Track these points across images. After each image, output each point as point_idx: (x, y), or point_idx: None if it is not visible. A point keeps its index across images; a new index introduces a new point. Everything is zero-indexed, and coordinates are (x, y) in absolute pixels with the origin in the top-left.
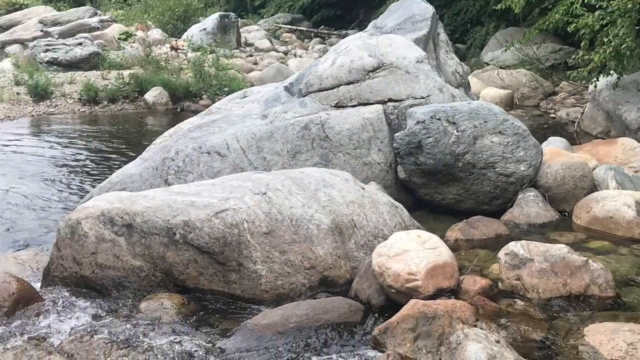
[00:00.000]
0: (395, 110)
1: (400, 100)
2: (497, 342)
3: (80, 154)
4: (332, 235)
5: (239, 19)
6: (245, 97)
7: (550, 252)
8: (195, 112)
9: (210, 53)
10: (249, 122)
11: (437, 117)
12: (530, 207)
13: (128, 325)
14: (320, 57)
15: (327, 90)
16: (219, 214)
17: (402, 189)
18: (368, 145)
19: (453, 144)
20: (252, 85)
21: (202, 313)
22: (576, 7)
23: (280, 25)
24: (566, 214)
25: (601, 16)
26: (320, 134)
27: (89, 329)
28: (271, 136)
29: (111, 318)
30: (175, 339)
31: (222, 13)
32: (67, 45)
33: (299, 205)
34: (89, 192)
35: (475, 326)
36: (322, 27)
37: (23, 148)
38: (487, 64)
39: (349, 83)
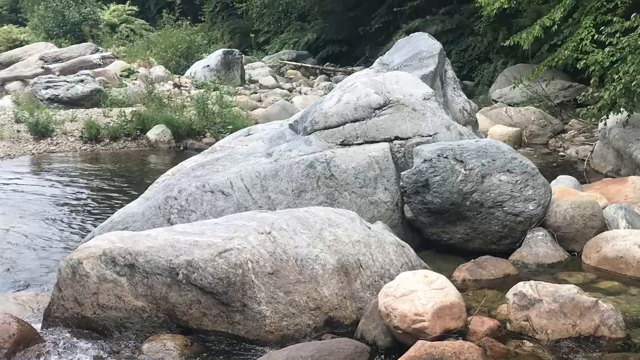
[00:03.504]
0: (402, 149)
1: (407, 138)
2: None
3: (82, 192)
4: (337, 276)
5: (243, 55)
6: (249, 134)
7: (560, 292)
8: (199, 150)
9: (214, 90)
10: (253, 161)
11: (444, 155)
12: (539, 246)
13: None
14: (325, 94)
15: (333, 128)
16: (222, 254)
17: (409, 228)
18: (374, 183)
19: (460, 183)
20: (257, 122)
21: (205, 354)
22: (586, 44)
23: (285, 61)
24: (575, 253)
25: (611, 53)
26: (326, 172)
27: None
28: (276, 175)
29: None
30: None
31: (226, 49)
32: (68, 82)
33: (304, 245)
34: (90, 231)
35: None
36: (327, 63)
37: (23, 187)
38: (495, 101)
39: (354, 121)
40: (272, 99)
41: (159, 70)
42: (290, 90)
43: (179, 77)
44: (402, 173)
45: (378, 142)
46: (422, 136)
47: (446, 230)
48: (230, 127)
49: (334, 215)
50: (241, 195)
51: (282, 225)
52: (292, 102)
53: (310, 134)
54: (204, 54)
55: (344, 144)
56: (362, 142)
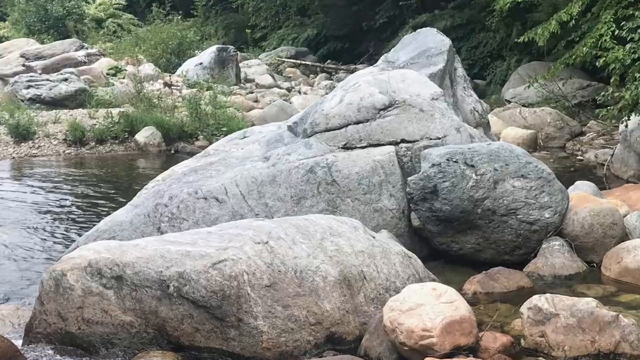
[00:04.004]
0: (409, 152)
1: (414, 141)
2: None
3: (66, 199)
4: (339, 288)
5: (238, 52)
6: (245, 137)
7: (577, 306)
8: (191, 154)
9: (207, 90)
10: (249, 165)
11: (454, 160)
12: (555, 257)
13: None
14: (326, 94)
15: (335, 130)
16: (216, 265)
17: (416, 238)
18: (379, 190)
19: (471, 189)
20: (253, 124)
21: None
22: (605, 40)
23: (283, 59)
24: (594, 264)
25: (633, 49)
26: (327, 177)
27: None
28: (273, 180)
29: None
30: None
31: (220, 46)
32: (51, 81)
33: (303, 256)
34: (74, 241)
35: None
36: (328, 61)
37: (3, 193)
38: (509, 102)
39: (358, 122)
40: (269, 99)
41: (148, 68)
42: (289, 89)
43: (169, 76)
44: (409, 178)
45: (383, 145)
46: (431, 139)
47: (456, 239)
48: (225, 129)
49: (336, 224)
50: (236, 202)
51: (280, 234)
52: (290, 103)
53: (310, 136)
54: (196, 51)
55: (346, 147)
56: (366, 145)
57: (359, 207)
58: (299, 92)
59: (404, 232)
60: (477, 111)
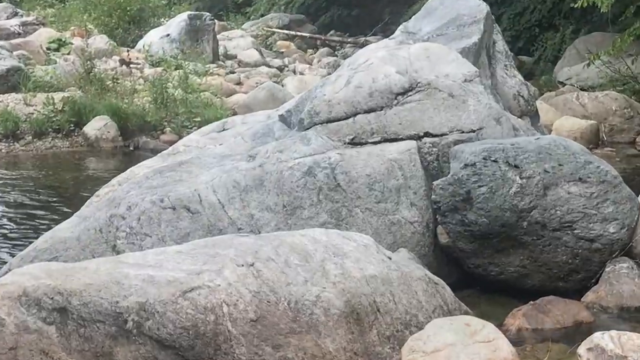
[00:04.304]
0: (434, 149)
1: (442, 135)
2: None
3: None
4: (346, 323)
5: (215, 21)
6: (224, 130)
7: None
8: (155, 152)
9: (176, 69)
10: (229, 166)
11: (492, 159)
12: (622, 283)
13: None
14: (329, 74)
15: (339, 120)
16: (187, 294)
17: (444, 259)
18: (396, 197)
19: (515, 196)
20: (235, 113)
21: None
22: None
23: (273, 29)
24: None
25: None
26: (330, 181)
27: None
28: (261, 185)
29: None
30: None
31: (193, 13)
32: None
33: (299, 282)
34: (5, 262)
35: None
36: (332, 32)
37: None
38: (563, 84)
39: (369, 111)
40: (255, 81)
41: (100, 41)
42: (281, 68)
43: (128, 51)
44: (435, 183)
45: (401, 140)
46: (463, 132)
47: (495, 261)
48: (199, 119)
49: (341, 241)
50: (213, 213)
51: (270, 254)
52: (283, 86)
53: (308, 128)
54: (162, 19)
55: (354, 142)
56: (380, 140)
57: (371, 219)
58: (294, 72)
59: (428, 251)
60: (522, 96)
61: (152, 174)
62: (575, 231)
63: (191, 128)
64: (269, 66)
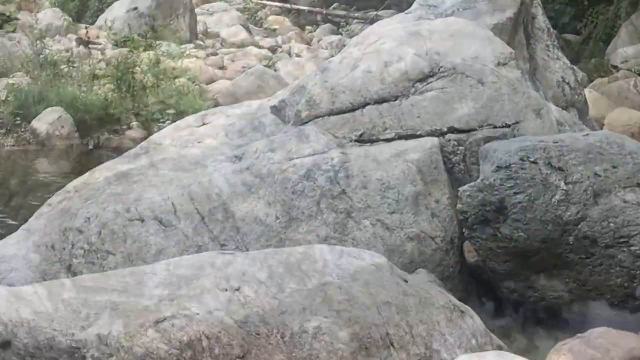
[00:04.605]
0: (460, 148)
1: (469, 131)
2: None
3: None
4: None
5: None
6: (204, 124)
7: None
8: (120, 151)
9: (146, 50)
10: (210, 168)
11: (531, 159)
12: None
13: None
14: (332, 56)
15: (345, 113)
16: (159, 324)
17: (472, 281)
18: (414, 207)
19: (559, 205)
20: (217, 104)
21: None
22: None
23: (263, 2)
24: None
25: None
26: (333, 187)
27: None
28: (249, 191)
29: None
30: None
31: None
32: None
33: (295, 310)
34: None
35: None
36: (335, 5)
37: None
38: (617, 69)
39: (381, 101)
40: (242, 65)
41: (52, 16)
42: (273, 49)
43: (86, 29)
44: (461, 189)
45: (420, 136)
46: (495, 127)
47: (534, 284)
48: (173, 111)
49: (347, 260)
50: (190, 225)
51: (259, 276)
52: (275, 70)
53: (306, 123)
54: None
55: (362, 139)
56: (394, 136)
57: (383, 233)
58: (289, 54)
59: (453, 272)
60: (567, 83)
61: (116, 178)
62: (633, 248)
63: (164, 122)
64: (259, 47)
